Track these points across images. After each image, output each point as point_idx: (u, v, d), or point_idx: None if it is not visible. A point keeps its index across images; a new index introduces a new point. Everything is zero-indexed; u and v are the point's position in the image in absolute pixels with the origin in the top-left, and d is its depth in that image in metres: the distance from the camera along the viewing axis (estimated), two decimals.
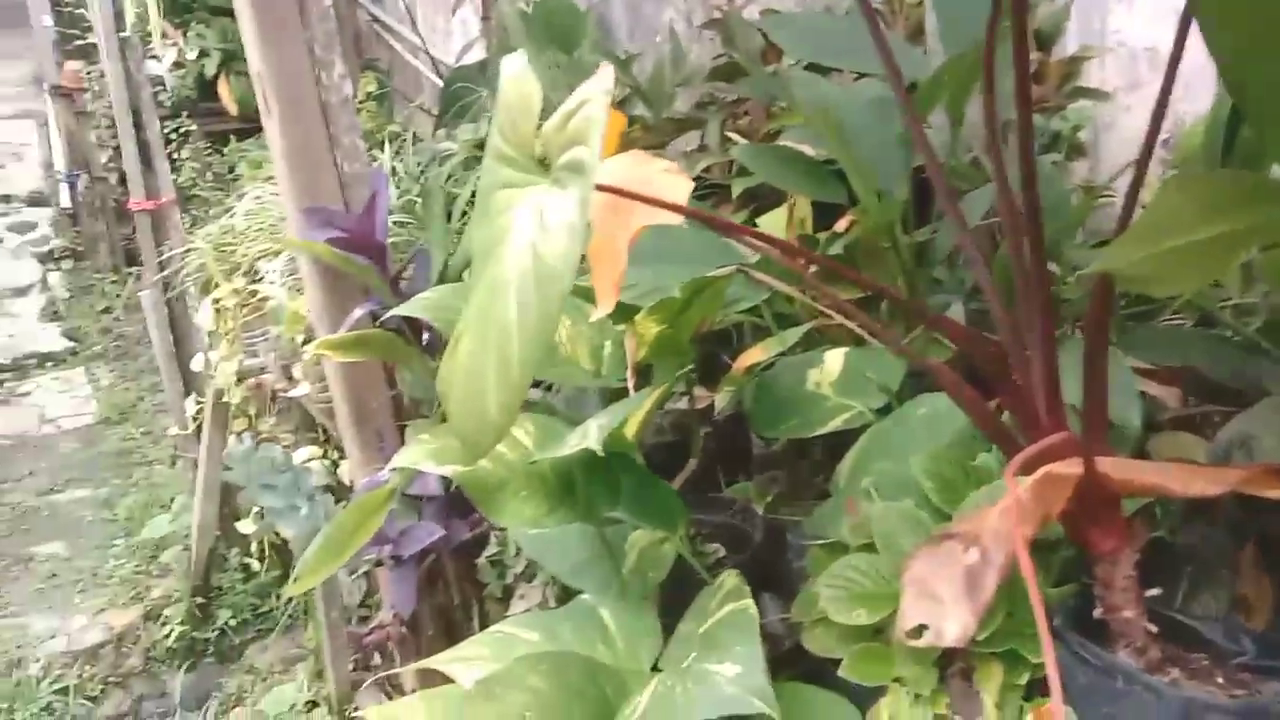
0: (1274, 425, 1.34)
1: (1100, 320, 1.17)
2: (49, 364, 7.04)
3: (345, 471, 2.93)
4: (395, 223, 3.07)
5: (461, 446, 1.09)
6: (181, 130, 6.05)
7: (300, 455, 3.12)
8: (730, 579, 1.43)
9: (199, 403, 3.60)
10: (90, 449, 6.16)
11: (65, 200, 7.95)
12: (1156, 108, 1.07)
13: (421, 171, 3.51)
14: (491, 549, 2.01)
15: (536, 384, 2.11)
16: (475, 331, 1.04)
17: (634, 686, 1.47)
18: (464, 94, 3.96)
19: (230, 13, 6.88)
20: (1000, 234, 1.87)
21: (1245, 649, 1.23)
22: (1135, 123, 2.26)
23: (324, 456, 2.92)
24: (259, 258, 3.50)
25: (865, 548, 1.49)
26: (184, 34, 6.72)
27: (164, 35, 6.58)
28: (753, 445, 2.09)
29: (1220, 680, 1.16)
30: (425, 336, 2.11)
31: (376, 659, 4.11)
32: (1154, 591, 1.23)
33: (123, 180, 7.68)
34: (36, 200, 8.08)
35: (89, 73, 7.23)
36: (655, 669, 1.54)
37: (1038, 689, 1.26)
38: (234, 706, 4.19)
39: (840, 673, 1.35)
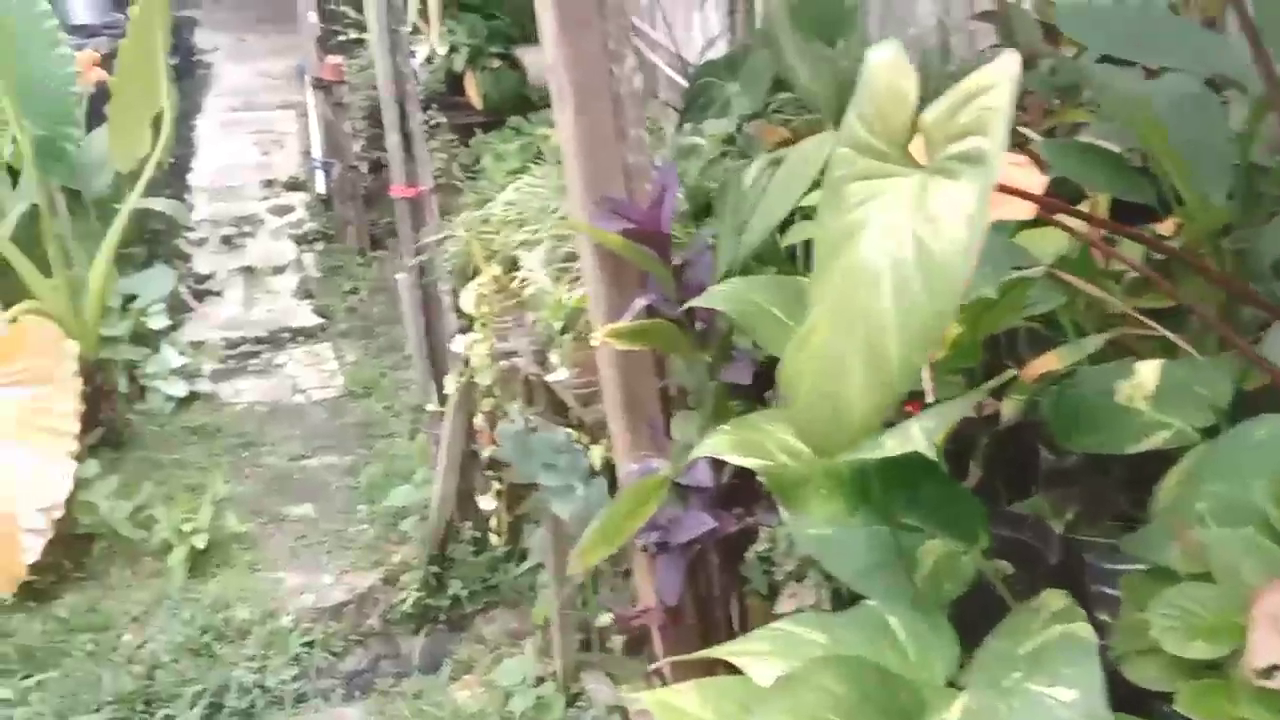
0: None
1: None
2: (300, 338, 7.56)
3: (595, 454, 3.00)
4: None
5: (806, 440, 1.07)
6: (432, 123, 6.35)
7: (514, 425, 3.21)
8: (1056, 599, 1.35)
9: (459, 382, 3.77)
10: (336, 419, 6.57)
11: (320, 187, 8.52)
12: None
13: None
14: (760, 545, 1.99)
15: None
16: (834, 323, 1.02)
17: (933, 700, 1.42)
18: (708, 89, 3.97)
19: (479, 10, 7.17)
20: None
21: None
22: None
23: (577, 441, 2.99)
24: (518, 246, 3.62)
25: (1199, 577, 1.38)
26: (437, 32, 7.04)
27: (416, 31, 6.95)
28: (1040, 458, 1.98)
29: None
30: (699, 327, 2.12)
31: (598, 641, 4.20)
32: None
33: (373, 169, 8.17)
34: (294, 185, 8.69)
35: (348, 66, 7.73)
36: (952, 684, 1.49)
37: None
38: (465, 673, 4.38)
39: (1177, 708, 1.26)
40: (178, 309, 7.19)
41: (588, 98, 2.11)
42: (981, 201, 0.86)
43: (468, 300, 3.61)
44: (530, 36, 7.17)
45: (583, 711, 3.94)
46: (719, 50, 4.53)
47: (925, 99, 2.85)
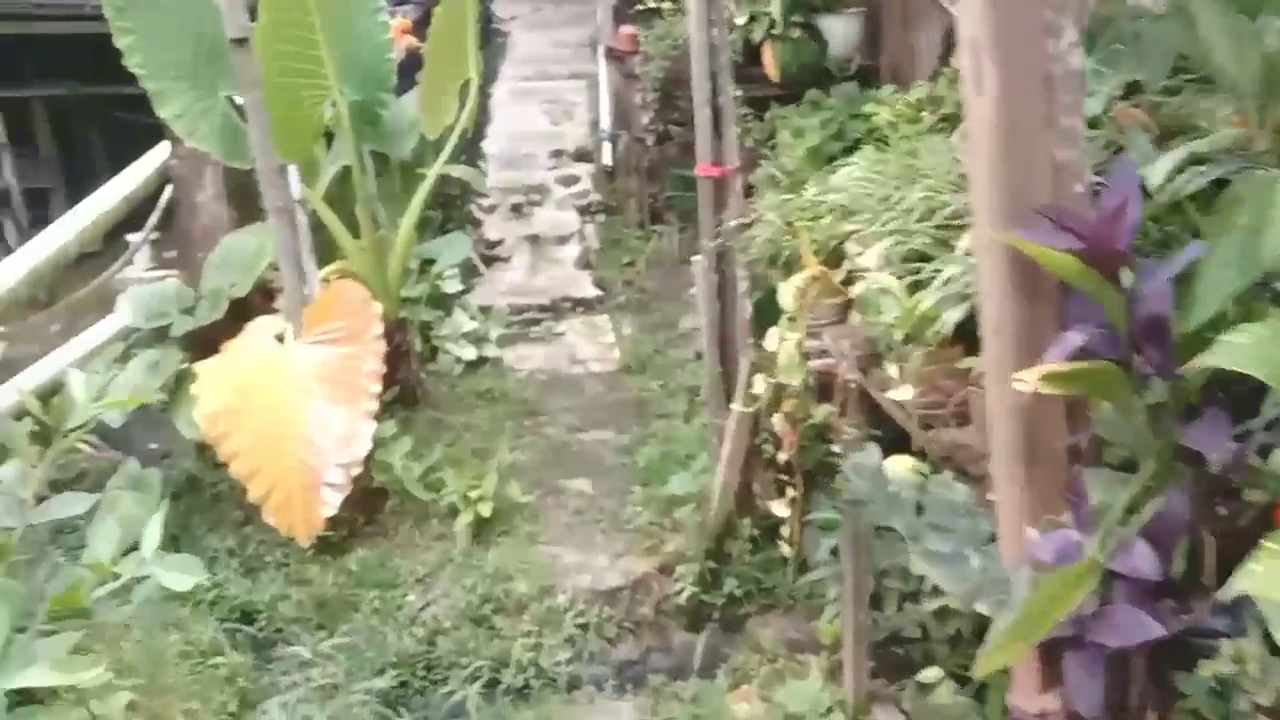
0: None
1: None
2: (580, 309, 7.50)
3: (934, 487, 2.56)
4: None
5: None
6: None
7: (870, 456, 2.79)
8: None
9: (768, 380, 3.41)
10: (612, 394, 6.43)
11: (606, 158, 8.42)
12: None
13: None
14: (1214, 664, 1.51)
15: None
16: None
17: None
18: None
19: None
20: None
21: None
22: None
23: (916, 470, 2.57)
24: (844, 239, 3.21)
25: None
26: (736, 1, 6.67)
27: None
28: None
29: None
30: (1144, 370, 1.64)
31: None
32: None
33: (658, 141, 7.95)
34: (582, 156, 8.65)
35: (644, 36, 7.50)
36: None
37: None
38: (743, 682, 4.06)
39: None
40: (468, 273, 7.26)
41: (1015, 79, 1.67)
42: None
43: (786, 293, 3.23)
44: (833, 6, 6.69)
45: None
46: None
47: None
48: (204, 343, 5.35)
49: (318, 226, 5.62)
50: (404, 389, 5.88)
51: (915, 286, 2.70)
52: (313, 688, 3.71)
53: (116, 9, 5.04)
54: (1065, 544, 1.58)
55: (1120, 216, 1.61)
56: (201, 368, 5.03)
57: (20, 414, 5.08)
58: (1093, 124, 3.00)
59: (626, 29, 7.83)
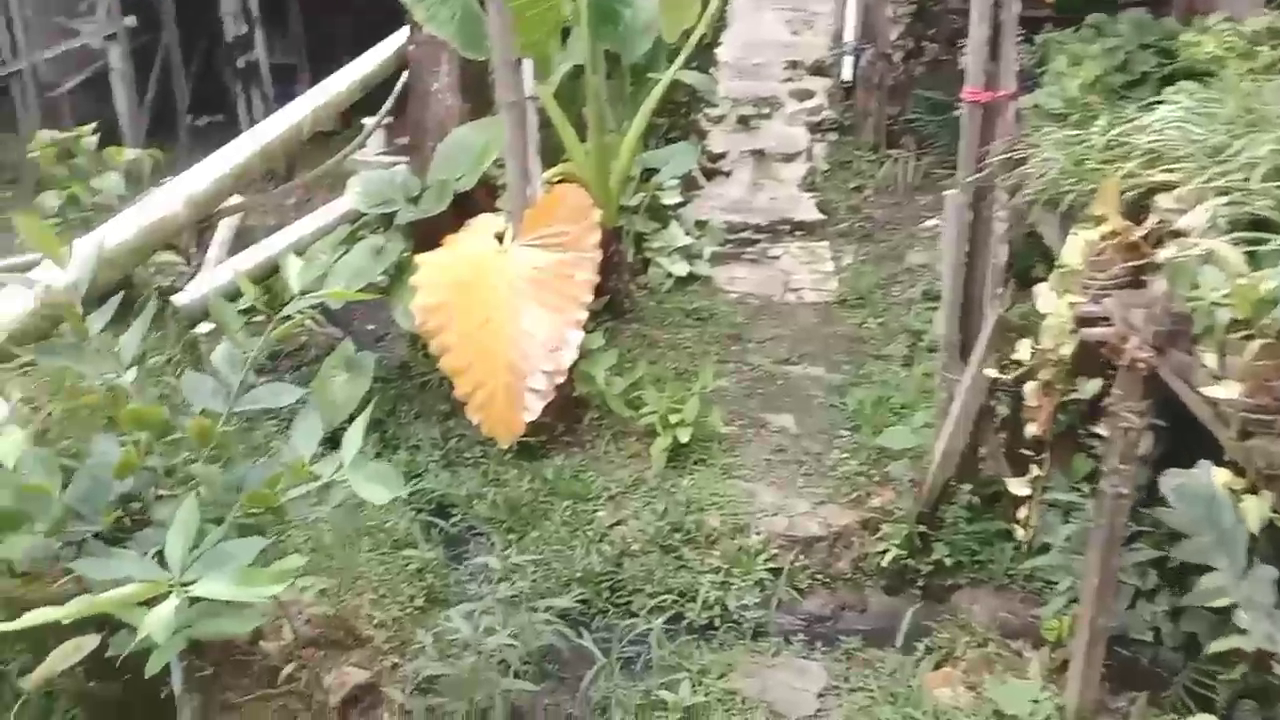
0: None
1: None
2: (799, 233, 7.03)
3: (1251, 510, 2.05)
4: None
5: None
6: None
7: (1201, 478, 2.27)
8: None
9: (1034, 349, 2.92)
10: (826, 327, 5.99)
11: (846, 73, 7.80)
12: None
13: None
14: None
15: None
16: None
17: None
18: None
19: None
20: None
21: None
22: None
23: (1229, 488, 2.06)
24: (1151, 191, 2.64)
25: None
26: None
27: None
28: None
29: None
30: None
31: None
32: None
33: (906, 57, 7.26)
34: (818, 70, 8.05)
35: None
36: None
37: None
38: (944, 662, 3.67)
39: None
40: (688, 186, 6.90)
41: None
42: None
43: (1073, 246, 2.71)
44: None
45: None
46: None
47: None
48: (426, 233, 5.26)
49: (545, 125, 5.37)
50: (613, 300, 5.65)
51: (1252, 260, 2.15)
52: (497, 599, 3.57)
53: None
54: None
55: None
56: (423, 260, 4.93)
57: (235, 295, 5.18)
58: None
59: None
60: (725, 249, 6.74)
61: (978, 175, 3.88)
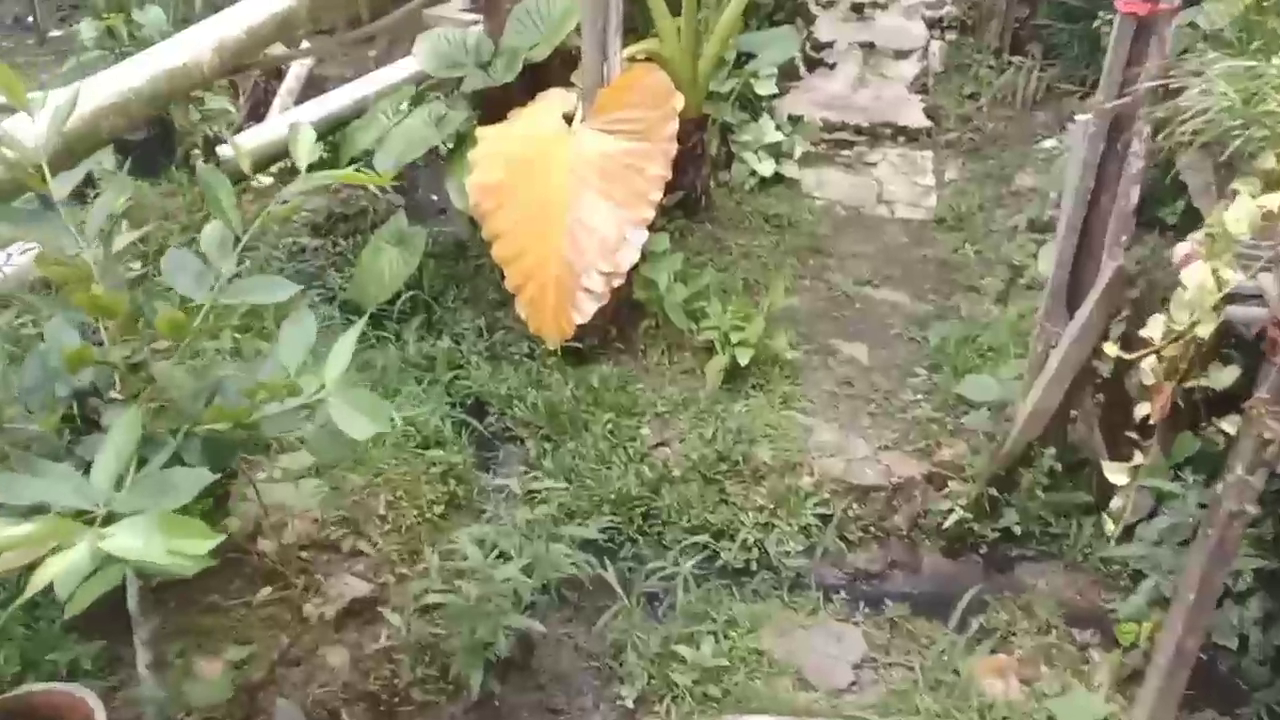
0: None
1: None
2: (901, 139, 6.34)
3: None
4: None
5: None
6: None
7: None
8: None
9: (1171, 326, 2.37)
10: (916, 248, 5.40)
11: None
12: None
13: None
14: None
15: None
16: None
17: None
18: None
19: None
20: None
21: None
22: None
23: None
24: None
25: None
26: None
27: None
28: None
29: None
30: None
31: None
32: None
33: None
34: None
35: None
36: None
37: None
38: (999, 647, 3.25)
39: None
40: (785, 76, 6.23)
41: None
42: None
43: (1240, 206, 2.15)
44: None
45: None
46: None
47: None
48: (494, 103, 4.78)
49: None
50: (687, 196, 5.13)
51: None
52: (515, 524, 3.24)
53: None
54: None
55: None
56: (484, 133, 4.47)
57: (265, 163, 4.73)
58: None
59: None
60: (818, 149, 6.10)
61: (1121, 100, 3.24)
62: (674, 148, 4.29)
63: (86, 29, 3.78)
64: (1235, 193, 2.23)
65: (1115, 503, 2.85)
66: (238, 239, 2.21)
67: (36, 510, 1.67)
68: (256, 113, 6.55)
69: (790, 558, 3.66)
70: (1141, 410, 2.71)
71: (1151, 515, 3.22)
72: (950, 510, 3.73)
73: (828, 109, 6.40)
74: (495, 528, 3.23)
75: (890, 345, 4.64)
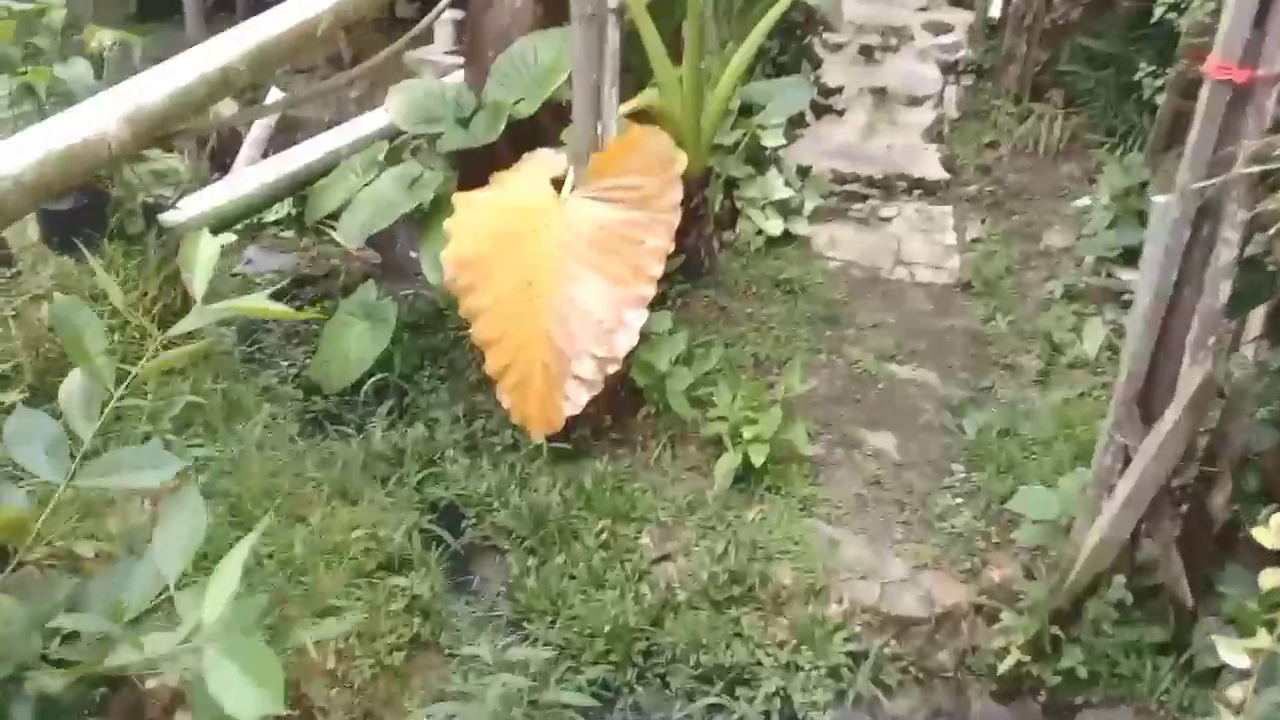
0: None
1: None
2: (918, 192, 5.77)
3: None
4: None
5: None
6: None
7: None
8: None
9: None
10: (941, 318, 4.80)
11: (994, 9, 6.38)
12: None
13: None
14: None
15: None
16: None
17: None
18: None
19: None
20: None
21: None
22: None
23: None
24: None
25: None
26: None
27: None
28: None
29: None
30: None
31: None
32: None
33: None
34: (960, 0, 6.64)
35: None
36: None
37: None
38: None
39: None
40: (792, 123, 5.66)
41: None
42: None
43: None
44: None
45: None
46: None
47: None
48: (475, 163, 4.18)
49: (632, 39, 4.18)
50: (689, 260, 4.51)
51: None
52: (497, 694, 2.62)
53: None
54: None
55: None
56: (463, 199, 3.88)
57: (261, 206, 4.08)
58: None
59: None
60: (828, 203, 5.53)
61: (1212, 180, 2.66)
62: (677, 217, 3.71)
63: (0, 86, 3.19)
64: None
65: (1234, 692, 2.24)
66: (109, 395, 1.61)
67: None
68: (222, 162, 5.97)
69: (817, 711, 3.03)
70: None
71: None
72: (1005, 649, 3.12)
73: (837, 159, 5.84)
74: (462, 705, 2.60)
75: (921, 435, 4.03)
